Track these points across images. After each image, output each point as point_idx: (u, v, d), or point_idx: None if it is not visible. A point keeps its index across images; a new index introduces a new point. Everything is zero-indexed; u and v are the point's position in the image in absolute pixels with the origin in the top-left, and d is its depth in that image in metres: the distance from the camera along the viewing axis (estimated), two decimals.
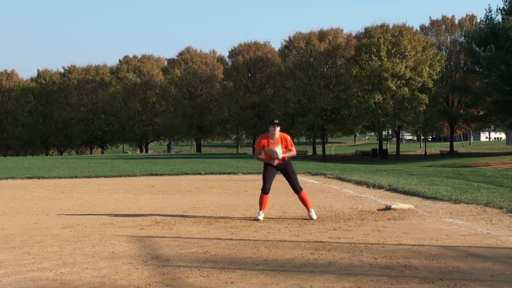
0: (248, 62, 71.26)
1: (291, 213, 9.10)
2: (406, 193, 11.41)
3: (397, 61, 57.05)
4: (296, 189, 8.49)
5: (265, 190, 8.39)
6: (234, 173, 18.91)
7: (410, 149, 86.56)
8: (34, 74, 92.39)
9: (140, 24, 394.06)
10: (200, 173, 18.91)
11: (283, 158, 8.42)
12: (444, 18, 67.34)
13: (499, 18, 54.11)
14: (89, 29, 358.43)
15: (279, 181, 15.18)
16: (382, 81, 58.07)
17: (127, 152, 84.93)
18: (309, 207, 8.48)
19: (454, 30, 65.76)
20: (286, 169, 8.47)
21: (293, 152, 8.59)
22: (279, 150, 8.31)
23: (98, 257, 5.73)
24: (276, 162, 8.38)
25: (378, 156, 62.65)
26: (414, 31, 62.24)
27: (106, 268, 5.28)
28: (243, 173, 18.94)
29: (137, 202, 10.96)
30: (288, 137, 8.59)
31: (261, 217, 8.33)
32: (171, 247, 6.22)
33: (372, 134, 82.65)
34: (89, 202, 11.09)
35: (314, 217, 8.33)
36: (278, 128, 8.36)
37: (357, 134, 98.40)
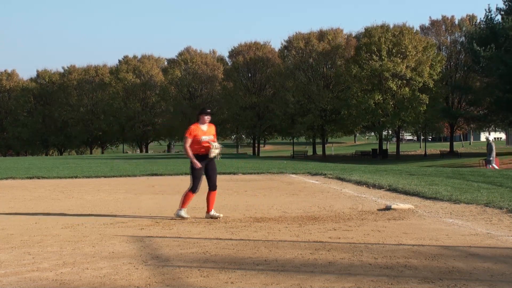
0: (248, 62, 71.24)
1: (291, 213, 9.10)
2: (406, 193, 11.41)
3: (398, 61, 57.04)
4: (214, 186, 8.59)
5: (195, 190, 8.42)
6: (234, 173, 18.90)
7: (410, 149, 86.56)
8: (34, 74, 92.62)
9: (140, 24, 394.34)
10: None
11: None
12: (444, 18, 67.38)
13: (498, 18, 54.19)
14: (89, 29, 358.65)
15: (279, 181, 15.18)
16: (382, 81, 58.07)
17: (127, 152, 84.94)
18: (211, 208, 8.53)
19: (454, 30, 65.78)
20: (212, 163, 8.58)
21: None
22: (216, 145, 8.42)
23: (98, 257, 5.73)
24: (212, 154, 8.38)
25: (378, 156, 62.67)
26: (414, 31, 62.28)
27: (106, 268, 5.28)
28: (243, 173, 18.94)
29: (137, 202, 10.95)
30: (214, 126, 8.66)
31: (186, 214, 8.37)
32: (171, 247, 6.22)
33: (372, 134, 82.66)
34: (89, 202, 11.08)
35: (217, 215, 8.44)
36: (209, 117, 8.49)
37: (357, 134, 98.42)
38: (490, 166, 22.76)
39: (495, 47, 48.90)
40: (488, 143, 23.26)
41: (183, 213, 8.43)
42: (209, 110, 8.53)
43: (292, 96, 62.72)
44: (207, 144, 8.38)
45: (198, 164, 8.32)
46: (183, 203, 8.43)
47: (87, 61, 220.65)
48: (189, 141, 8.38)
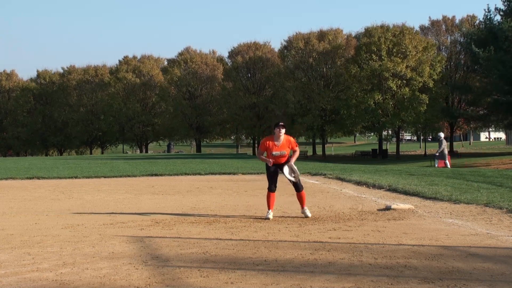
0: (248, 62, 71.18)
1: (291, 213, 9.11)
2: (406, 193, 11.41)
3: (398, 60, 57.01)
4: (297, 188, 8.73)
5: (270, 189, 8.60)
6: (234, 173, 18.90)
7: (410, 149, 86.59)
8: (34, 74, 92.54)
9: (140, 24, 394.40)
10: (200, 173, 18.90)
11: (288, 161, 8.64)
12: (444, 18, 67.31)
13: (498, 18, 54.13)
14: (89, 29, 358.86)
15: (279, 181, 15.18)
16: (382, 81, 58.04)
17: (127, 152, 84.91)
18: (303, 206, 8.72)
19: (454, 30, 65.73)
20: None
21: (297, 153, 8.83)
22: (286, 170, 8.54)
23: (98, 257, 5.73)
24: (271, 162, 8.50)
25: (378, 156, 62.66)
26: (414, 31, 62.25)
27: (106, 268, 5.27)
28: (243, 173, 18.93)
29: (137, 202, 10.96)
30: (292, 139, 8.76)
31: (270, 216, 8.46)
32: (171, 247, 6.22)
33: (372, 134, 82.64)
34: (89, 202, 11.08)
35: (306, 213, 8.59)
36: (283, 130, 8.53)
37: (357, 135, 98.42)
38: (438, 163, 22.64)
39: (495, 48, 48.85)
40: (439, 139, 22.98)
41: (267, 214, 8.51)
42: (282, 124, 8.54)
43: (292, 95, 62.67)
44: (279, 159, 8.52)
45: (271, 161, 8.45)
46: (267, 205, 8.59)
47: (87, 61, 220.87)
48: (261, 153, 8.69)
